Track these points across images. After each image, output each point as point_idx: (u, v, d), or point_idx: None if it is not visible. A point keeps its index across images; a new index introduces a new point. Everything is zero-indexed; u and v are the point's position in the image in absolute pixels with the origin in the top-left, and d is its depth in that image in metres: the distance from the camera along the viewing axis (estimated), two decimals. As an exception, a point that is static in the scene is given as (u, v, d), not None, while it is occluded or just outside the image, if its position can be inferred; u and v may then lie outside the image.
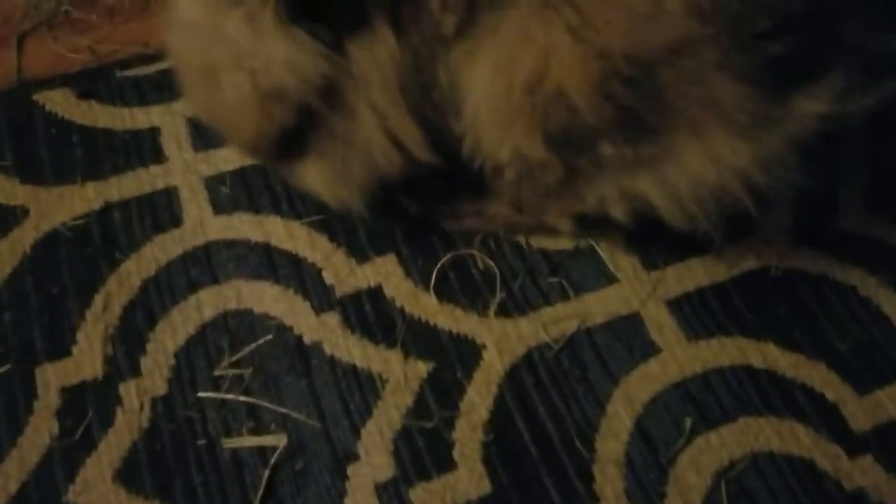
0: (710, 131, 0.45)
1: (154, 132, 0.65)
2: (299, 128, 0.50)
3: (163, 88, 0.67)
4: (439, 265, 0.59)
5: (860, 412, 0.53)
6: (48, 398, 0.53)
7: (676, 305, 0.57)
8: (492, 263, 0.59)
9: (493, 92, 0.46)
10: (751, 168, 0.45)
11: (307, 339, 0.56)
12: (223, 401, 0.53)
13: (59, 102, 0.67)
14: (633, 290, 0.58)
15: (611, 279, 0.58)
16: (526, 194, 0.53)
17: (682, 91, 0.44)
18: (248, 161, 0.63)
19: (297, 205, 0.62)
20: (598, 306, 0.57)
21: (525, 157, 0.47)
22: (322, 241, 0.60)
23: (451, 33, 0.47)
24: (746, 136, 0.45)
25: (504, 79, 0.45)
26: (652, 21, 0.42)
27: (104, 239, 0.60)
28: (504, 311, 0.57)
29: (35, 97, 0.67)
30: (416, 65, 0.48)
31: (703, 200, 0.47)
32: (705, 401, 0.53)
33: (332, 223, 0.61)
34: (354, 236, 0.60)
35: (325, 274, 0.59)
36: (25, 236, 0.60)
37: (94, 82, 0.68)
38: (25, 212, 0.61)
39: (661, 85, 0.43)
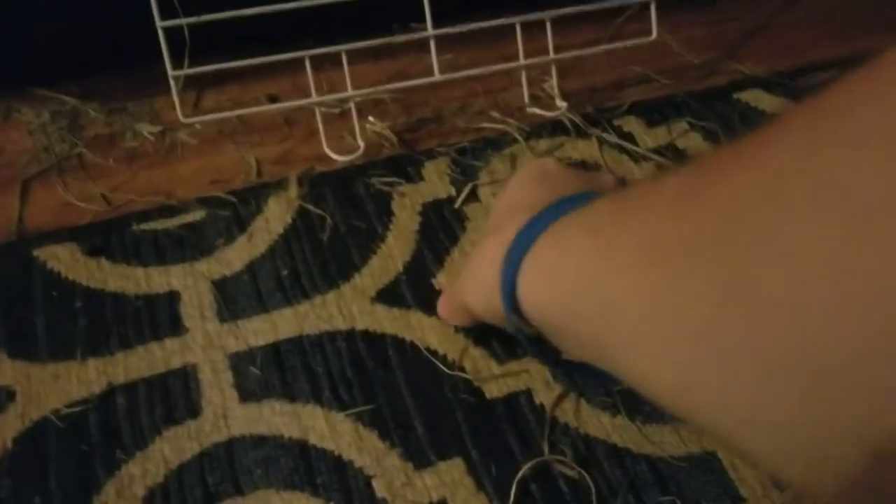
0: None
1: (172, 297, 0.55)
2: None
3: (185, 246, 0.58)
4: (519, 475, 0.47)
5: None
6: None
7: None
8: (584, 474, 0.47)
9: None
10: None
11: (354, 575, 0.44)
12: None
13: (64, 260, 0.57)
14: (762, 511, 0.46)
15: (735, 498, 0.47)
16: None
17: None
18: (283, 334, 0.53)
19: (341, 391, 0.51)
20: (721, 533, 0.45)
21: None
22: (372, 440, 0.49)
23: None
24: None
25: None
26: None
27: (103, 432, 0.49)
28: (603, 539, 0.45)
29: (36, 253, 0.57)
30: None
31: None
32: None
33: (383, 415, 0.50)
34: (412, 434, 0.49)
35: (375, 483, 0.47)
36: (7, 427, 0.49)
37: (105, 236, 0.58)
38: (11, 395, 0.50)
39: None
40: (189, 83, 0.68)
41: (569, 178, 0.50)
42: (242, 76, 0.69)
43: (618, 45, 0.67)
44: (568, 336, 0.38)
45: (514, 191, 0.50)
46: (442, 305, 0.53)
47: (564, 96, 0.68)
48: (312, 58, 0.60)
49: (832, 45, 0.77)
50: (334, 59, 0.61)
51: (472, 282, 0.48)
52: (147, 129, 0.66)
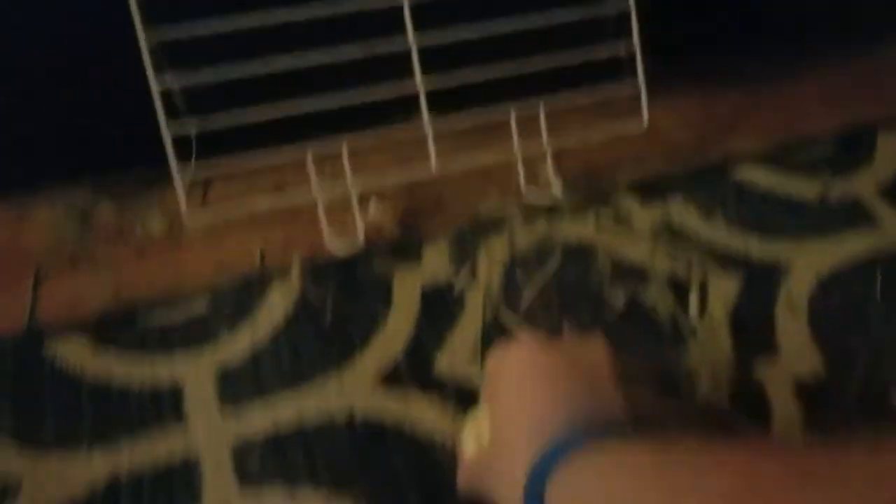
0: None
1: (176, 388, 0.56)
2: None
3: (189, 336, 0.59)
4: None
5: None
6: None
7: None
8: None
9: None
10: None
11: None
12: None
13: (73, 351, 0.59)
14: None
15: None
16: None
17: None
18: (284, 420, 0.54)
19: (340, 476, 0.51)
20: None
21: None
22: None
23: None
24: None
25: None
26: None
27: (107, 524, 0.50)
28: None
29: (46, 344, 0.59)
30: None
31: None
32: None
33: (382, 499, 0.50)
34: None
35: (374, 572, 0.47)
36: (12, 522, 0.50)
37: (113, 328, 0.60)
38: (18, 485, 0.51)
39: None
40: (198, 173, 0.70)
41: (564, 369, 0.45)
42: (249, 165, 0.71)
43: (610, 135, 0.70)
44: None
45: (512, 392, 0.46)
46: (461, 481, 0.49)
47: (561, 175, 0.70)
48: (315, 148, 0.63)
49: (826, 116, 0.79)
50: (337, 146, 0.63)
51: (495, 494, 0.44)
52: (156, 222, 0.68)
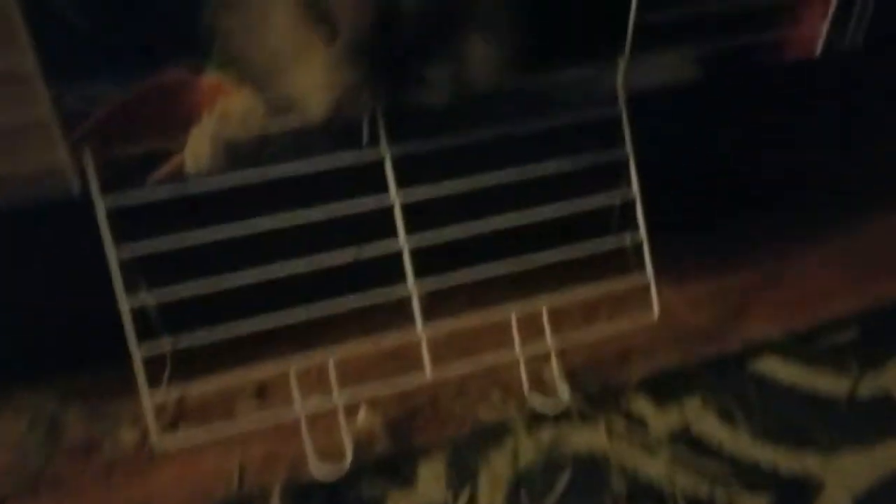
0: None
1: None
2: None
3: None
4: None
5: None
6: None
7: None
8: None
9: None
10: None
11: None
12: None
13: None
14: None
15: None
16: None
17: None
18: None
19: None
20: None
21: None
22: None
23: None
24: None
25: None
26: None
27: None
28: None
29: None
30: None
31: None
32: None
33: None
34: None
35: None
36: None
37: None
38: None
39: None
40: (176, 373, 0.65)
41: None
42: (228, 364, 0.66)
43: (619, 329, 0.65)
44: None
45: None
46: None
47: (567, 373, 0.65)
48: (299, 361, 0.58)
49: (848, 293, 0.74)
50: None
51: None
52: (127, 434, 0.62)
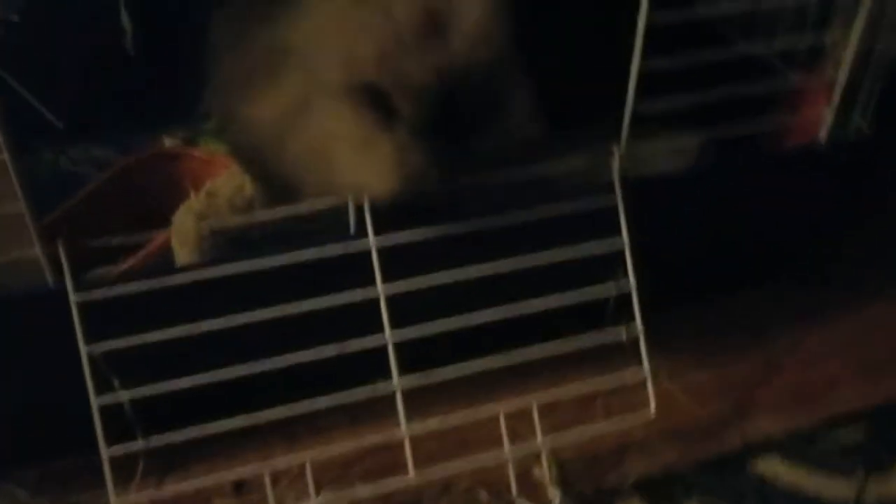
0: None
1: None
2: None
3: None
4: None
5: None
6: None
7: None
8: None
9: None
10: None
11: None
12: None
13: None
14: None
15: None
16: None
17: None
18: None
19: None
20: None
21: None
22: None
23: None
24: None
25: None
26: None
27: None
28: None
29: None
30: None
31: None
32: None
33: None
34: None
35: None
36: None
37: None
38: None
39: None
40: (150, 468, 0.63)
41: None
42: (205, 458, 0.64)
43: (613, 428, 0.62)
44: None
45: None
46: None
47: (559, 471, 0.62)
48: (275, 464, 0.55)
49: (854, 386, 0.71)
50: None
51: None
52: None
